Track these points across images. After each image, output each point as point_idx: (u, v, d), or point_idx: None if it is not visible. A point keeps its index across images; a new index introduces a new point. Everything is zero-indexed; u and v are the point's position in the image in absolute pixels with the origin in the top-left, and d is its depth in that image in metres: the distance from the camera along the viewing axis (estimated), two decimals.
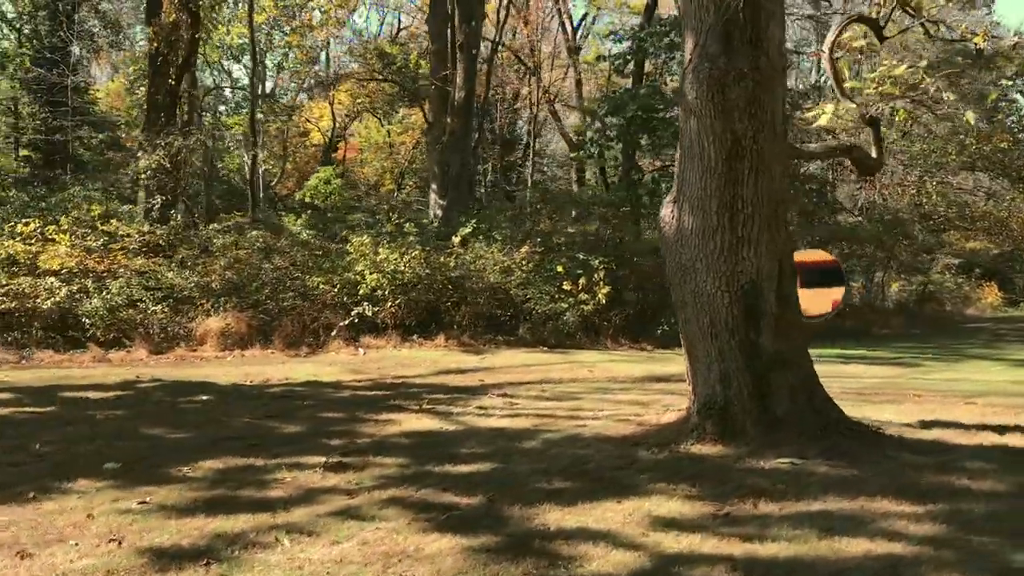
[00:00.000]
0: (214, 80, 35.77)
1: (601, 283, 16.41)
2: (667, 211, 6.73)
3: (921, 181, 29.21)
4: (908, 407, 8.93)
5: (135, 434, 7.40)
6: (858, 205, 29.62)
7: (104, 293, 14.64)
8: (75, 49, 32.09)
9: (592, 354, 15.29)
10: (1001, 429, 7.43)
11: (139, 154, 18.36)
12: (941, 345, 17.92)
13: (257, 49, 37.06)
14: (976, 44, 9.63)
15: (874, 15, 9.88)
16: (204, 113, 26.82)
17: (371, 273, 15.51)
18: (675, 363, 13.99)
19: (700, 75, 6.08)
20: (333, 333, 15.11)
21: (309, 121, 38.30)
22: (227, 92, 37.27)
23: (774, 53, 6.20)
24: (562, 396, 9.75)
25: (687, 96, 6.27)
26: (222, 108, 38.00)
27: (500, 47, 28.63)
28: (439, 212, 22.22)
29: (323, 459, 6.27)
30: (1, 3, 32.41)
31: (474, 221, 17.84)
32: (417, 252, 16.17)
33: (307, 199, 33.16)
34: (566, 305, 16.29)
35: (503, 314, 16.79)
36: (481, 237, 18.12)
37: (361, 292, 15.52)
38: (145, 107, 19.96)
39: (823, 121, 8.28)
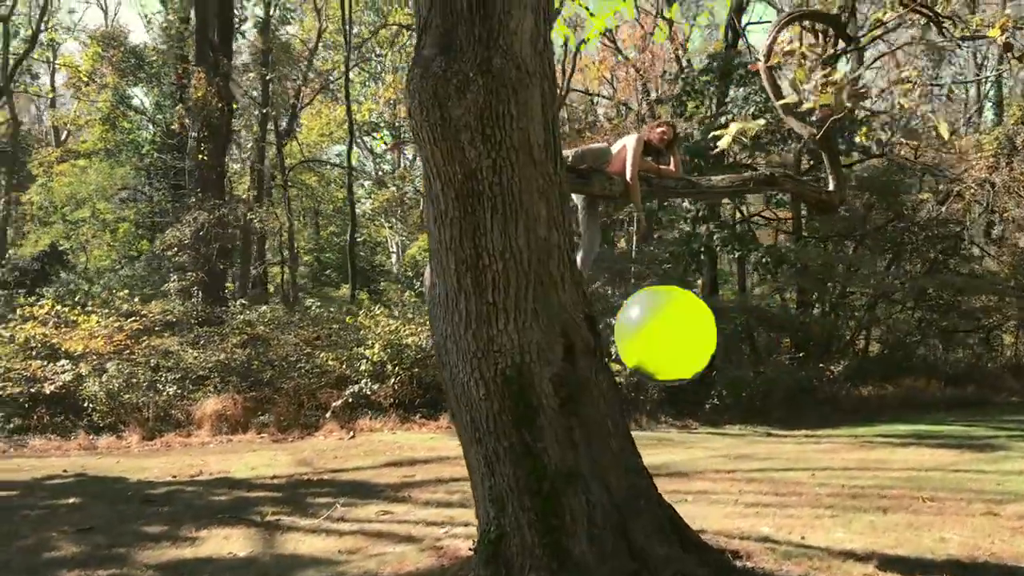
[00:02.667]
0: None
1: None
2: (427, 273, 5.06)
3: None
4: (892, 519, 6.64)
5: None
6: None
7: (103, 376, 14.12)
8: (193, 133, 33.52)
9: None
10: (981, 570, 5.14)
11: (167, 231, 18.22)
12: None
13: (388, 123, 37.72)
14: (998, 40, 7.40)
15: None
16: (291, 186, 26.86)
17: (372, 347, 14.25)
18: (698, 447, 11.83)
19: (412, 87, 4.44)
20: (328, 414, 13.91)
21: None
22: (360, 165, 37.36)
23: (524, 50, 4.46)
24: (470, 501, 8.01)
25: (409, 119, 4.64)
26: (366, 183, 38.12)
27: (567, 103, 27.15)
28: None
29: None
30: (131, 97, 34.44)
31: None
32: (426, 322, 14.79)
33: (406, 271, 32.72)
34: None
35: None
36: None
37: (362, 368, 14.27)
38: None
39: (724, 143, 6.35)
